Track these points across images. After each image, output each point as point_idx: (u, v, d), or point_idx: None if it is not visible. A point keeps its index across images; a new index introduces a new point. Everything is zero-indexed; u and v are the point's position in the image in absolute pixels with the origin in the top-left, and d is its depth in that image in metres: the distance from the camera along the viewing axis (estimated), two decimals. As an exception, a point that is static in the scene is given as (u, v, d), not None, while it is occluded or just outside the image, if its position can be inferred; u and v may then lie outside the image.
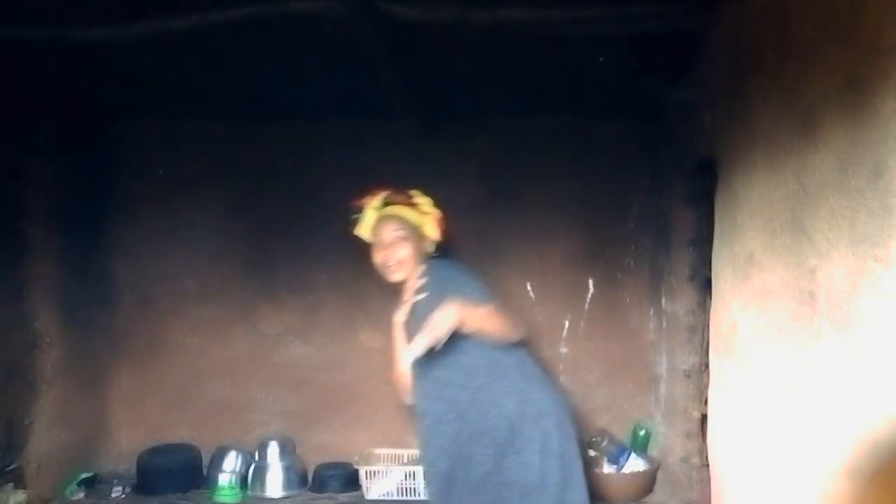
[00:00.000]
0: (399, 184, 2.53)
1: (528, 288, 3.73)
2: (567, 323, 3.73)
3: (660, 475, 3.36)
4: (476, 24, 2.31)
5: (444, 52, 2.72)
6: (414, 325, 2.27)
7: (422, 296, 2.32)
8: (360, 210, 2.53)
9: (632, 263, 3.71)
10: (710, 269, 2.51)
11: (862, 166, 1.39)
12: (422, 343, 2.05)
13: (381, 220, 2.47)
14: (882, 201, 1.32)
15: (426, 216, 2.50)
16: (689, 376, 3.00)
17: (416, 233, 2.46)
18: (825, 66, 1.56)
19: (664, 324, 3.39)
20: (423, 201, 2.52)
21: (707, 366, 2.63)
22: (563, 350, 3.75)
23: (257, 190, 3.75)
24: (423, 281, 2.36)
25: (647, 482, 3.34)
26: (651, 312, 3.63)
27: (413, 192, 2.53)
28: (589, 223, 3.69)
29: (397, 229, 2.42)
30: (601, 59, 2.77)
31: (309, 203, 3.72)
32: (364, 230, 2.52)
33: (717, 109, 2.47)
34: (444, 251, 2.58)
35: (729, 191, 2.29)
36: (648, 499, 3.33)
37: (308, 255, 3.74)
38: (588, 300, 3.72)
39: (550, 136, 3.69)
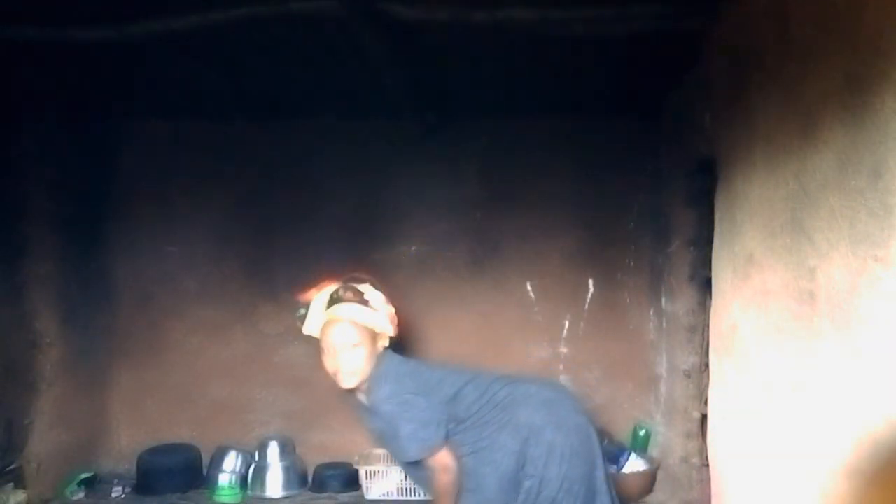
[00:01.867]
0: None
1: (528, 288, 3.73)
2: (567, 323, 3.73)
3: (660, 475, 3.36)
4: (476, 24, 2.31)
5: (444, 52, 2.72)
6: (369, 422, 2.41)
7: (371, 417, 2.40)
8: (305, 305, 2.37)
9: (632, 263, 3.70)
10: (710, 269, 2.51)
11: (862, 166, 1.39)
12: None
13: (333, 324, 2.31)
14: (882, 201, 1.32)
15: (379, 313, 2.33)
16: (689, 376, 3.00)
17: (369, 335, 2.31)
18: (825, 66, 1.56)
19: (664, 324, 3.39)
20: (375, 297, 2.35)
21: (707, 366, 2.63)
22: (563, 350, 3.75)
23: (257, 190, 3.75)
24: (370, 400, 2.37)
25: (647, 482, 3.34)
26: (651, 312, 3.63)
27: (363, 286, 2.36)
28: (589, 223, 3.69)
29: (349, 334, 2.28)
30: (600, 60, 2.78)
31: (309, 203, 3.72)
32: (312, 329, 2.37)
33: (717, 109, 2.47)
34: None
35: (729, 191, 2.29)
36: (648, 499, 3.33)
37: (308, 255, 3.74)
38: (588, 300, 3.72)
39: (550, 136, 3.68)
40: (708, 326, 2.59)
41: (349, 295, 2.31)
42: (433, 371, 2.41)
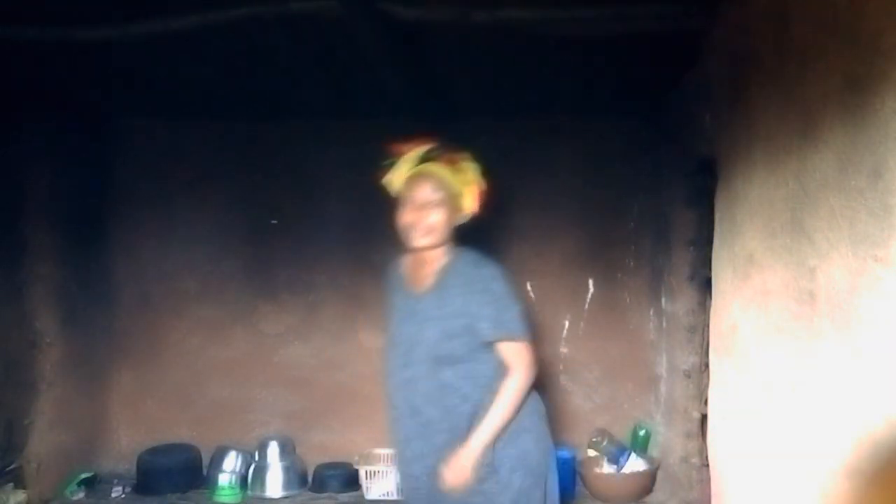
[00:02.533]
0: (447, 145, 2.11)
1: (528, 288, 3.73)
2: (567, 323, 3.73)
3: (660, 475, 3.36)
4: (476, 24, 2.31)
5: (444, 52, 2.72)
6: (411, 308, 2.11)
7: (434, 290, 2.09)
8: (394, 157, 2.17)
9: (632, 263, 3.71)
10: (710, 269, 2.51)
11: (862, 166, 1.39)
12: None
13: (418, 177, 2.10)
14: (882, 201, 1.32)
15: (469, 185, 2.15)
16: (689, 376, 3.00)
17: (453, 201, 2.10)
18: (825, 66, 1.56)
19: (664, 324, 3.39)
20: (469, 167, 2.17)
21: (707, 366, 2.62)
22: (563, 350, 3.75)
23: (257, 190, 3.75)
24: (442, 270, 2.10)
25: (647, 482, 3.34)
26: (651, 312, 3.63)
27: (461, 155, 2.17)
28: (589, 223, 3.69)
29: (435, 191, 2.07)
30: (600, 60, 2.78)
31: (309, 203, 3.72)
32: (394, 182, 2.16)
33: (717, 109, 2.47)
34: (468, 227, 2.23)
35: (729, 191, 2.29)
36: (648, 499, 3.33)
37: (308, 255, 3.74)
38: (588, 300, 3.73)
39: (550, 136, 3.69)
40: (708, 326, 2.59)
41: (445, 157, 2.13)
42: None
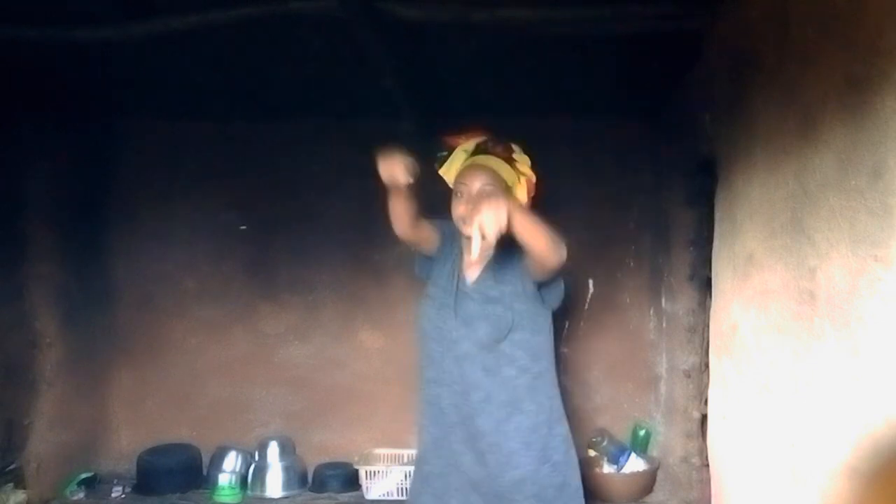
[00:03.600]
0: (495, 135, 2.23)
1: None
2: (567, 323, 3.73)
3: (660, 475, 3.36)
4: (476, 24, 2.31)
5: (443, 52, 2.72)
6: (467, 291, 2.13)
7: (492, 267, 2.15)
8: (450, 149, 2.25)
9: (632, 263, 3.70)
10: (710, 269, 2.51)
11: (862, 166, 1.39)
12: (477, 244, 1.80)
13: (473, 168, 2.16)
14: (882, 201, 1.32)
15: (521, 177, 2.22)
16: (689, 376, 3.00)
17: (506, 192, 2.14)
18: (825, 66, 1.56)
19: (664, 324, 3.39)
20: (522, 159, 2.23)
21: (707, 366, 2.63)
22: (563, 350, 3.74)
23: (257, 190, 3.75)
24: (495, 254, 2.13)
25: (647, 482, 3.34)
26: (651, 312, 3.63)
27: (514, 146, 2.23)
28: (589, 223, 3.69)
29: (489, 184, 2.12)
30: (600, 60, 2.77)
31: (309, 203, 3.72)
32: (450, 173, 2.23)
33: (717, 109, 2.47)
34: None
35: (729, 191, 2.29)
36: (648, 499, 3.33)
37: (308, 255, 3.74)
38: (588, 300, 3.72)
39: (550, 137, 3.67)
40: (708, 326, 2.59)
41: (498, 149, 2.19)
42: None
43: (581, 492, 2.21)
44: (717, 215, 2.41)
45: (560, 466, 2.15)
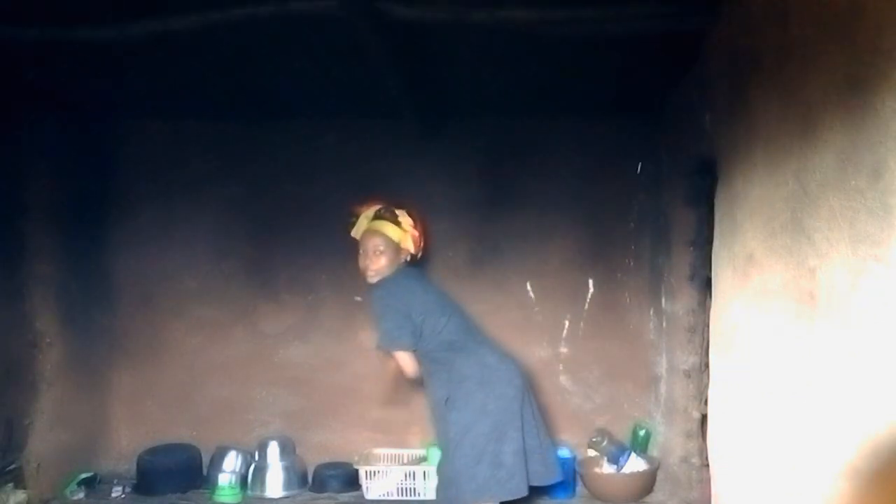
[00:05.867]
0: (397, 190, 3.14)
1: (528, 288, 3.73)
2: (567, 323, 3.73)
3: (660, 475, 3.36)
4: (476, 24, 2.31)
5: (444, 52, 2.72)
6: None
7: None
8: (356, 215, 3.09)
9: (632, 263, 3.71)
10: (710, 269, 2.51)
11: (862, 166, 1.39)
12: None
13: (369, 232, 3.03)
14: (882, 201, 1.32)
15: (406, 234, 3.05)
16: (689, 376, 3.00)
17: (394, 247, 3.02)
18: (825, 66, 1.56)
19: (664, 324, 3.39)
20: (406, 221, 3.05)
21: (707, 366, 2.63)
22: (563, 350, 3.75)
23: (257, 190, 3.75)
24: (375, 285, 3.03)
25: (647, 482, 3.34)
26: (651, 312, 3.63)
27: (400, 211, 3.04)
28: (589, 223, 3.69)
29: (378, 245, 3.00)
30: (600, 60, 2.77)
31: (309, 203, 3.72)
32: (356, 233, 3.10)
33: (717, 109, 2.47)
34: (421, 256, 3.17)
35: (729, 191, 2.29)
36: (648, 499, 3.33)
37: (308, 255, 3.74)
38: (588, 300, 3.73)
39: (550, 136, 3.69)
40: (708, 326, 2.59)
41: (388, 214, 3.03)
42: (429, 294, 3.03)
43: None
44: (717, 215, 2.41)
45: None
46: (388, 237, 3.01)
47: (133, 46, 2.50)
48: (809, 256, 1.64)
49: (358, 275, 3.72)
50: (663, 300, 3.40)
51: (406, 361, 2.96)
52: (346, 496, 3.43)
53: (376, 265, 3.00)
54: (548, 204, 3.69)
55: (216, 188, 3.74)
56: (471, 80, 3.11)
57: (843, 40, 1.47)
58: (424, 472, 3.32)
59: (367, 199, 3.09)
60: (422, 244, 3.13)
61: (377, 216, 3.04)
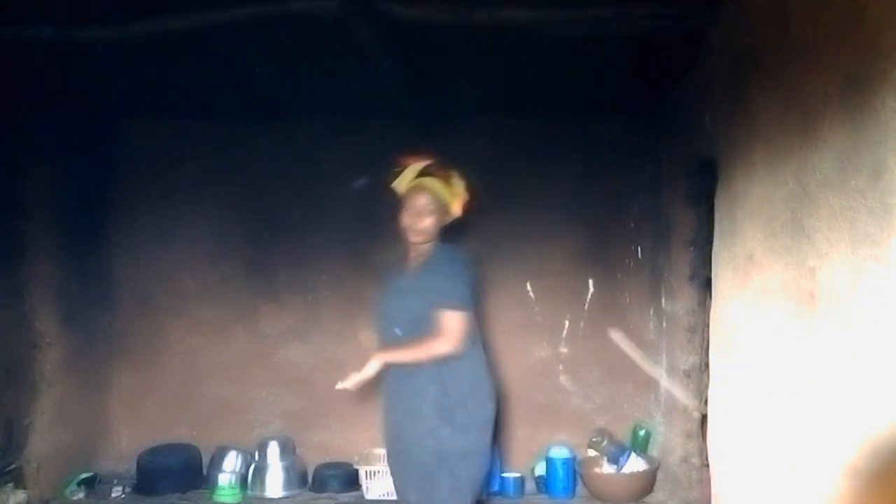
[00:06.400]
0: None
1: (528, 288, 3.73)
2: (567, 323, 3.73)
3: (660, 475, 3.36)
4: (476, 24, 2.31)
5: (444, 52, 2.72)
6: (399, 285, 2.66)
7: (417, 272, 2.65)
8: (402, 167, 2.73)
9: (632, 263, 3.70)
10: (710, 269, 2.51)
11: (862, 166, 1.39)
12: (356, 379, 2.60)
13: (417, 188, 2.67)
14: (882, 201, 1.32)
15: (456, 196, 2.74)
16: (689, 376, 3.00)
17: (442, 208, 2.69)
18: (825, 66, 1.56)
19: (664, 324, 3.39)
20: (457, 182, 2.74)
21: (707, 366, 2.63)
22: (563, 350, 3.75)
23: (257, 190, 3.75)
24: (425, 258, 2.68)
25: (647, 482, 3.34)
26: (651, 312, 3.63)
27: (452, 172, 2.74)
28: (589, 223, 3.69)
29: (429, 203, 2.65)
30: (600, 60, 2.77)
31: (309, 203, 3.72)
32: (399, 187, 2.73)
33: (717, 109, 2.47)
34: (456, 225, 2.81)
35: (729, 191, 2.29)
36: (648, 499, 3.33)
37: (308, 255, 3.74)
38: (588, 300, 3.72)
39: (550, 136, 3.68)
40: (708, 326, 2.59)
41: (440, 172, 2.71)
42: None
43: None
44: (717, 215, 2.41)
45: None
46: (438, 196, 2.69)
47: (133, 46, 2.50)
48: (809, 256, 1.64)
49: (359, 274, 3.74)
50: (663, 300, 3.40)
51: (463, 327, 2.57)
52: (346, 496, 3.43)
53: (422, 224, 2.67)
54: (548, 204, 3.69)
55: (216, 188, 3.74)
56: (471, 79, 3.11)
57: (843, 40, 1.47)
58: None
59: (413, 152, 2.76)
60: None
61: (426, 172, 2.71)
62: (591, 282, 3.72)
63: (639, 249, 3.69)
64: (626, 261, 3.71)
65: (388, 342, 2.65)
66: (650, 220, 3.61)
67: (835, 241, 1.51)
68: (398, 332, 2.61)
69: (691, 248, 2.88)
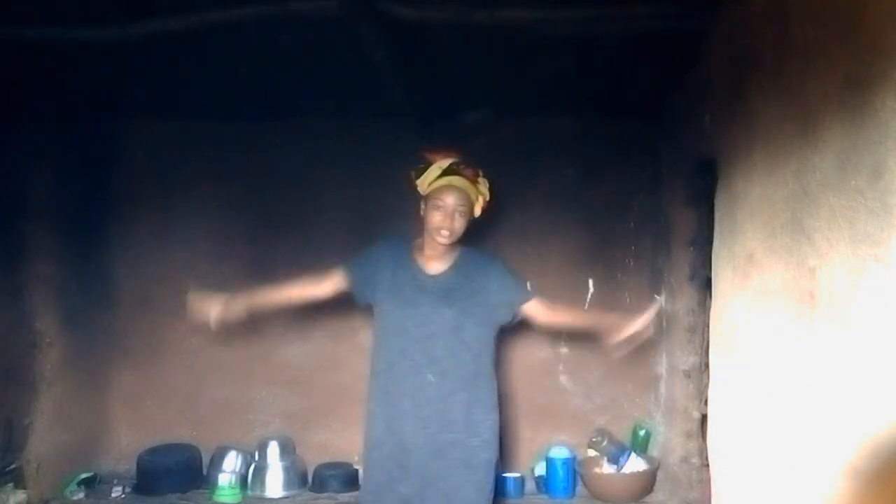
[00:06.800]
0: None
1: (528, 288, 3.72)
2: (567, 323, 3.73)
3: (660, 475, 3.36)
4: (476, 24, 2.31)
5: (444, 52, 2.72)
6: (430, 289, 2.60)
7: (458, 268, 2.65)
8: (427, 162, 2.61)
9: (632, 263, 3.70)
10: (710, 269, 2.51)
11: (862, 166, 1.39)
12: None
13: (448, 187, 2.58)
14: (882, 201, 1.32)
15: (481, 196, 2.67)
16: (689, 376, 3.00)
17: (471, 209, 2.64)
18: (825, 66, 1.56)
19: (664, 324, 3.39)
20: (484, 182, 2.67)
21: (707, 366, 2.63)
22: (563, 350, 3.75)
23: (257, 190, 3.75)
24: (454, 261, 2.66)
25: (647, 482, 3.34)
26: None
27: (479, 171, 2.66)
28: (589, 223, 3.69)
29: (462, 204, 2.58)
30: (600, 60, 2.77)
31: (309, 203, 3.72)
32: (423, 183, 2.61)
33: (717, 109, 2.47)
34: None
35: (729, 191, 2.29)
36: (648, 499, 3.33)
37: (308, 255, 3.73)
38: (588, 300, 3.72)
39: (550, 136, 3.68)
40: (708, 326, 2.59)
41: (468, 171, 2.61)
42: None
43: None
44: (717, 215, 2.41)
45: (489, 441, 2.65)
46: (468, 197, 2.61)
47: (133, 46, 2.50)
48: (809, 256, 1.64)
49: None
50: (663, 300, 3.40)
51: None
52: (346, 496, 3.43)
53: (456, 225, 2.58)
54: (547, 204, 3.69)
55: (216, 188, 3.74)
56: (471, 79, 3.11)
57: (843, 40, 1.47)
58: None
59: (437, 148, 2.66)
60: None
61: (454, 170, 2.59)
62: (591, 282, 3.72)
63: (639, 249, 3.69)
64: (626, 261, 3.71)
65: (418, 360, 2.60)
66: (650, 220, 3.61)
67: (835, 241, 1.51)
68: (439, 353, 2.56)
69: (691, 248, 2.88)
